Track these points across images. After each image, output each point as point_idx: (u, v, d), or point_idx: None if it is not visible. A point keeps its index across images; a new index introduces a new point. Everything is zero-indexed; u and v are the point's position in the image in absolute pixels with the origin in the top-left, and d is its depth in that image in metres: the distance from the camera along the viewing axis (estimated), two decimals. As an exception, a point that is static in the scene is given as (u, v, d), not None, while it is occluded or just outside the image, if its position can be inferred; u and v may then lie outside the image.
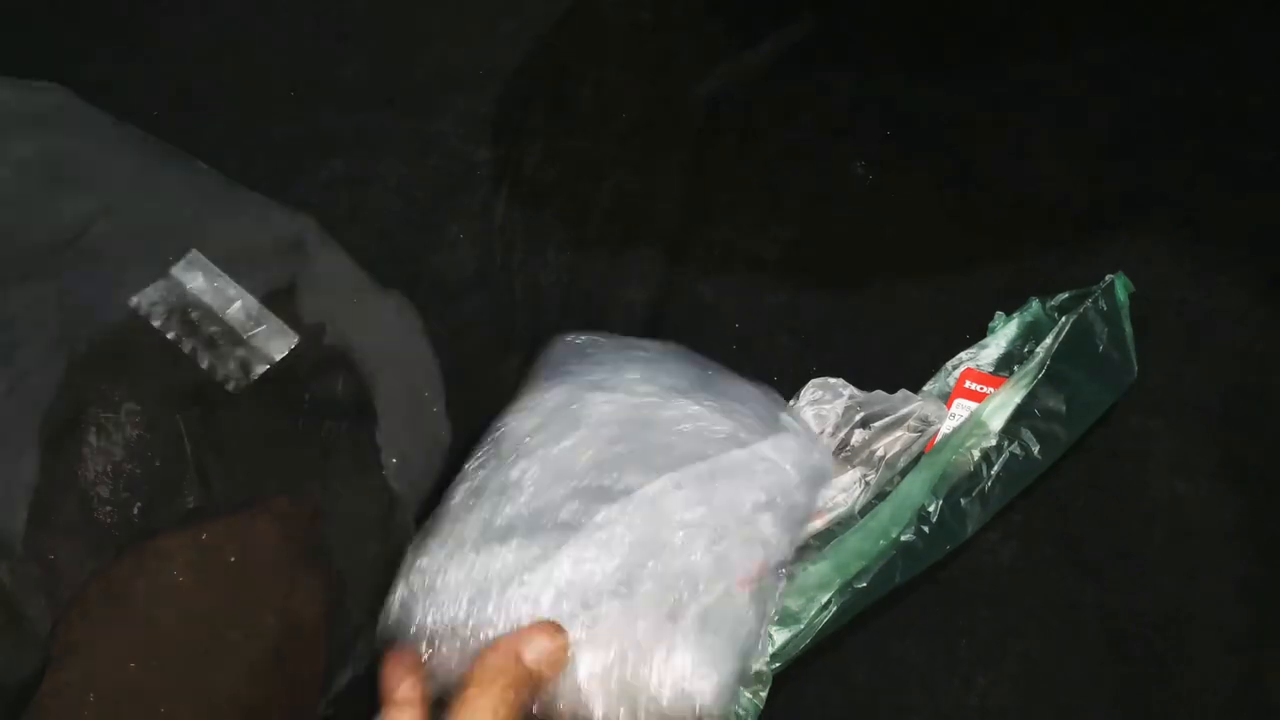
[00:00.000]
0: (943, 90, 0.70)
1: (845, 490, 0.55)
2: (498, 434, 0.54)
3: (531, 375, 0.57)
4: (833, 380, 0.58)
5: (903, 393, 0.58)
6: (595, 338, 0.58)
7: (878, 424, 0.56)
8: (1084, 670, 0.53)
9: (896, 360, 0.60)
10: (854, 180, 0.67)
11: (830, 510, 0.55)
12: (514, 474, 0.51)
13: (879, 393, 0.57)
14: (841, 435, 0.56)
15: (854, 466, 0.56)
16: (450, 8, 0.75)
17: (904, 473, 0.55)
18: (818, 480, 0.54)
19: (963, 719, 0.53)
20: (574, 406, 0.53)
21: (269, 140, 0.70)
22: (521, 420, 0.54)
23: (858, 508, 0.55)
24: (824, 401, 0.57)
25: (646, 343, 0.58)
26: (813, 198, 0.66)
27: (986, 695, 0.53)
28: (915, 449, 0.56)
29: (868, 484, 0.55)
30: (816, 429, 0.56)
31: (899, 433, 0.56)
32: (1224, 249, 0.64)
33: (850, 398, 0.57)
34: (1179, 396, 0.59)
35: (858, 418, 0.56)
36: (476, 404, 0.62)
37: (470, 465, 0.53)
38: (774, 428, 0.53)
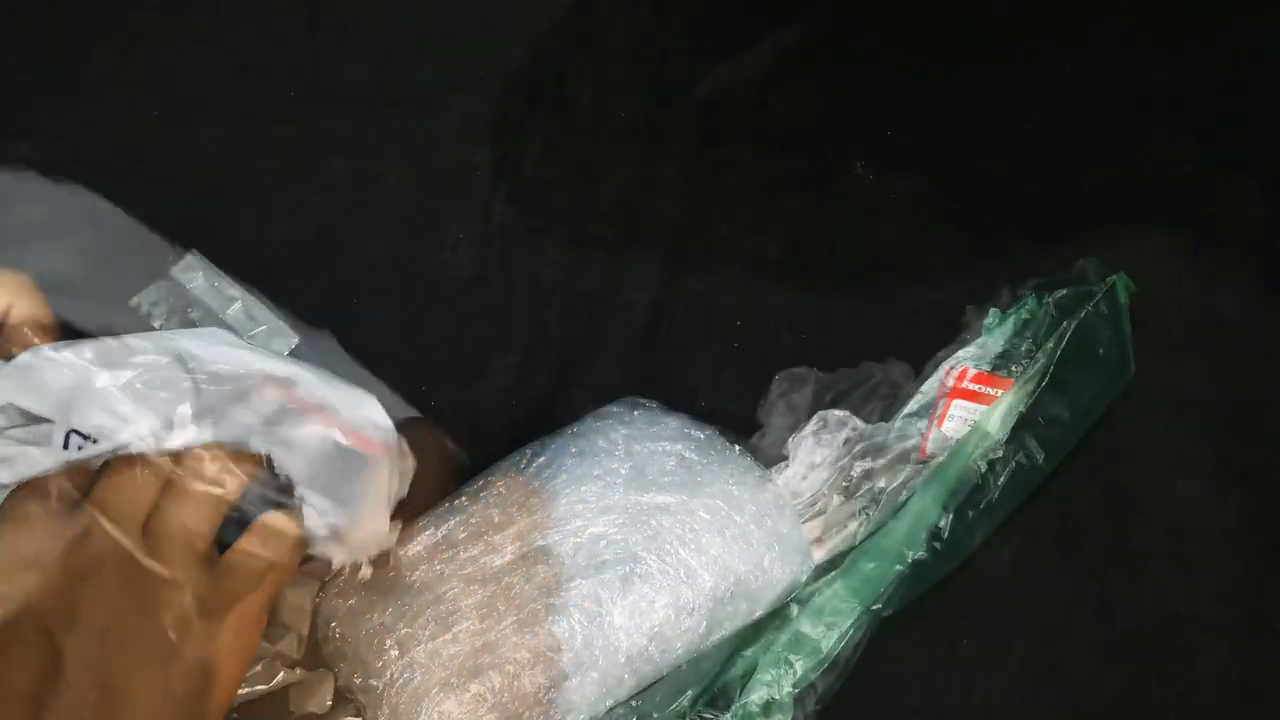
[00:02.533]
0: (943, 90, 0.70)
1: (846, 523, 0.55)
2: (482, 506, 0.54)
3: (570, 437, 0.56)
4: (798, 369, 0.58)
5: (865, 364, 0.58)
6: (635, 409, 0.57)
7: (878, 457, 0.56)
8: (1084, 670, 0.53)
9: (896, 358, 0.60)
10: (854, 180, 0.67)
11: (830, 542, 0.55)
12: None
13: (881, 424, 0.57)
14: (842, 466, 0.56)
15: (854, 499, 0.56)
16: (450, 8, 0.75)
17: (908, 483, 0.55)
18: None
19: (963, 719, 0.53)
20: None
21: (269, 140, 0.70)
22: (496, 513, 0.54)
23: (858, 539, 0.55)
24: (825, 432, 0.57)
25: (674, 422, 0.56)
26: (813, 197, 0.66)
27: (987, 695, 0.53)
28: (916, 483, 0.56)
29: (868, 516, 0.55)
30: (817, 460, 0.56)
31: (899, 466, 0.56)
32: (1224, 249, 0.64)
33: (852, 429, 0.57)
34: (1179, 396, 0.59)
35: (857, 449, 0.56)
36: (475, 403, 0.62)
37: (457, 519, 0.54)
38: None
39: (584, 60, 0.73)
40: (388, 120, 0.71)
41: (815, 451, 0.56)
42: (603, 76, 0.72)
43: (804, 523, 0.54)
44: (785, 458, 0.56)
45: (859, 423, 0.57)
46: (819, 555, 0.54)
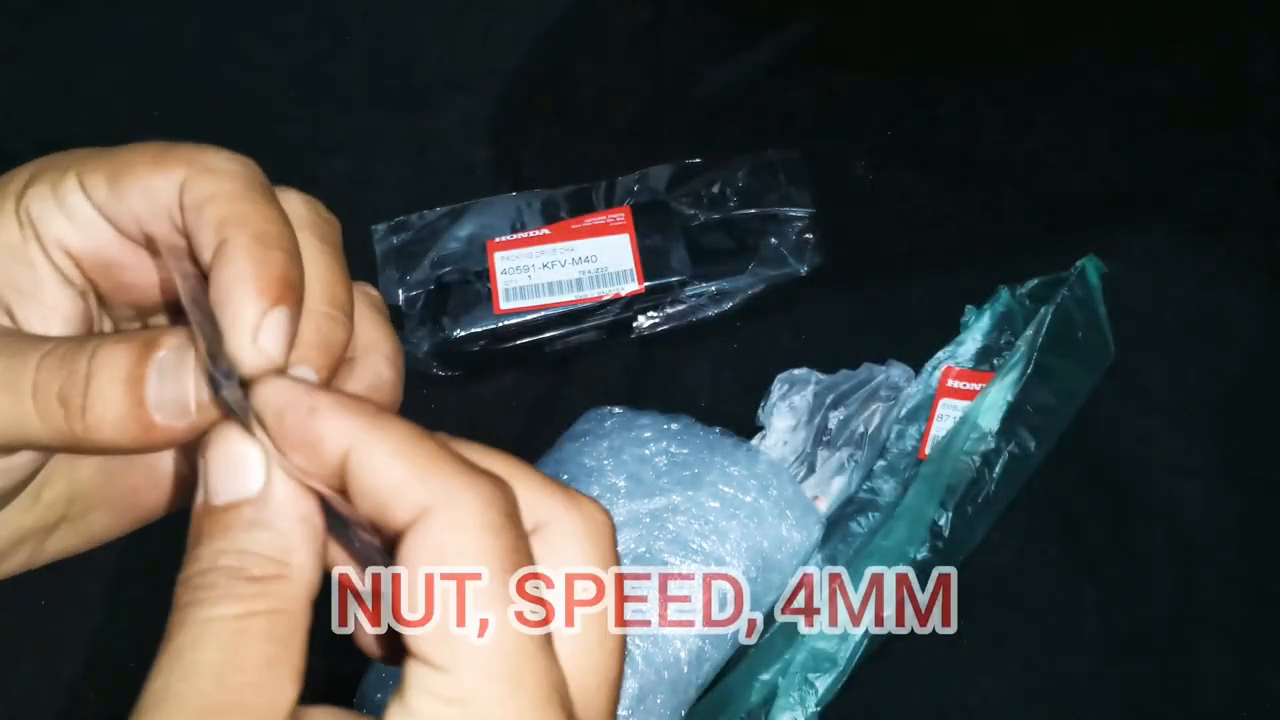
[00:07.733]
0: (943, 90, 0.70)
1: (836, 475, 0.56)
2: None
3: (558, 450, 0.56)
4: (798, 371, 0.59)
5: (866, 365, 0.59)
6: (606, 420, 0.57)
7: (850, 401, 0.58)
8: (1084, 670, 0.53)
9: (896, 358, 0.60)
10: (854, 180, 0.67)
11: (827, 497, 0.55)
12: None
13: (844, 372, 0.59)
14: (818, 421, 0.57)
15: (839, 448, 0.56)
16: (450, 8, 0.75)
17: (907, 485, 0.55)
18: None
19: (963, 719, 0.53)
20: None
21: (269, 140, 0.70)
22: None
23: (853, 487, 0.56)
24: (793, 394, 0.58)
25: (647, 420, 0.56)
26: (813, 197, 0.66)
27: (987, 695, 0.53)
28: (893, 417, 0.57)
29: (856, 462, 0.56)
30: (791, 421, 0.57)
31: (873, 405, 0.58)
32: (1224, 249, 0.64)
33: (817, 382, 0.58)
34: (1179, 396, 0.59)
35: (829, 400, 0.57)
36: (475, 403, 0.62)
37: None
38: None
39: (584, 60, 0.73)
40: (388, 120, 0.71)
41: (788, 415, 0.58)
42: (603, 76, 0.72)
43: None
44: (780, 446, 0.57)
45: (820, 375, 0.58)
46: (821, 508, 0.55)
